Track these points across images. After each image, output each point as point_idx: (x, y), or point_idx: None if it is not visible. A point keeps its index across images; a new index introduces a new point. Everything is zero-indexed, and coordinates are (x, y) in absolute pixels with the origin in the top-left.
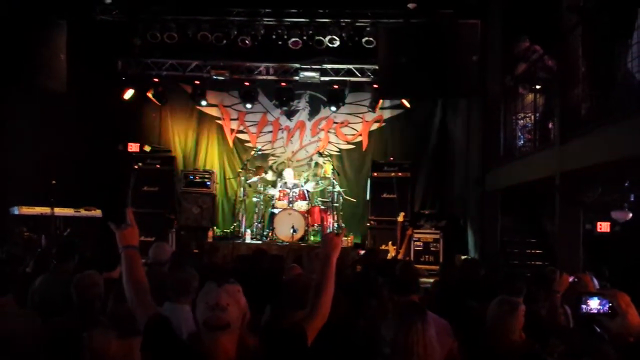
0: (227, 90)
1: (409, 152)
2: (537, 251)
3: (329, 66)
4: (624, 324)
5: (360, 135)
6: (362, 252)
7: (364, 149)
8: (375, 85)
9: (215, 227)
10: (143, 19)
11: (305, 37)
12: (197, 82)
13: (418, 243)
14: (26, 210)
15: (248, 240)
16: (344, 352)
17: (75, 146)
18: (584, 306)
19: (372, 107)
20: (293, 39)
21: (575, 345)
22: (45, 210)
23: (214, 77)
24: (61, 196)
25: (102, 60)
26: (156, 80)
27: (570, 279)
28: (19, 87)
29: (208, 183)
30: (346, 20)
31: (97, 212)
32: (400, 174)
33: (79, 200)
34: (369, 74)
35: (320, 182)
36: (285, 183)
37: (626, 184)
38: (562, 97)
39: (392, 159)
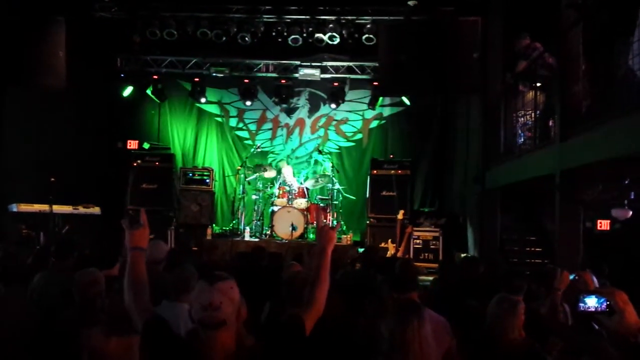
0: (226, 87)
1: (409, 149)
2: (537, 249)
3: (329, 63)
4: (622, 321)
5: (360, 132)
6: (362, 249)
7: (363, 147)
8: (375, 83)
9: (214, 225)
10: (142, 16)
11: (305, 34)
12: (196, 79)
13: (417, 241)
14: (25, 207)
15: (247, 237)
16: (343, 350)
17: (74, 143)
18: (581, 304)
19: (372, 105)
20: (293, 36)
21: (574, 343)
22: (44, 207)
23: (214, 74)
24: (60, 193)
25: (101, 58)
26: (155, 77)
27: (571, 277)
28: (18, 84)
29: (207, 180)
30: (346, 17)
31: (96, 210)
32: (399, 171)
33: (77, 197)
34: (369, 71)
35: (319, 179)
36: (285, 180)
37: (626, 182)
38: (562, 94)
39: (391, 156)
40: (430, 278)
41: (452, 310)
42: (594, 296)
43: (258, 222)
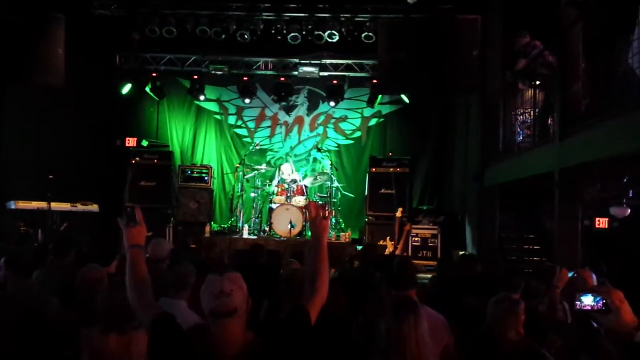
0: (225, 85)
1: (408, 147)
2: (535, 247)
3: (328, 61)
4: (618, 320)
5: (359, 130)
6: (360, 247)
7: (362, 145)
8: (374, 81)
9: (212, 222)
10: (142, 13)
11: (304, 32)
12: (195, 76)
13: (416, 238)
14: (23, 204)
15: (245, 235)
16: (342, 348)
17: (72, 140)
18: (578, 303)
19: (371, 103)
20: (292, 34)
21: (573, 341)
22: (42, 204)
23: (213, 71)
24: (58, 190)
25: (100, 55)
26: (154, 74)
27: (569, 275)
28: (17, 82)
29: (206, 178)
30: (345, 15)
31: (94, 207)
32: (398, 169)
33: (75, 194)
34: (368, 69)
35: (318, 177)
36: (283, 178)
37: (624, 180)
38: (562, 92)
39: (390, 154)
40: (429, 276)
41: (450, 308)
42: (590, 295)
43: (256, 220)
